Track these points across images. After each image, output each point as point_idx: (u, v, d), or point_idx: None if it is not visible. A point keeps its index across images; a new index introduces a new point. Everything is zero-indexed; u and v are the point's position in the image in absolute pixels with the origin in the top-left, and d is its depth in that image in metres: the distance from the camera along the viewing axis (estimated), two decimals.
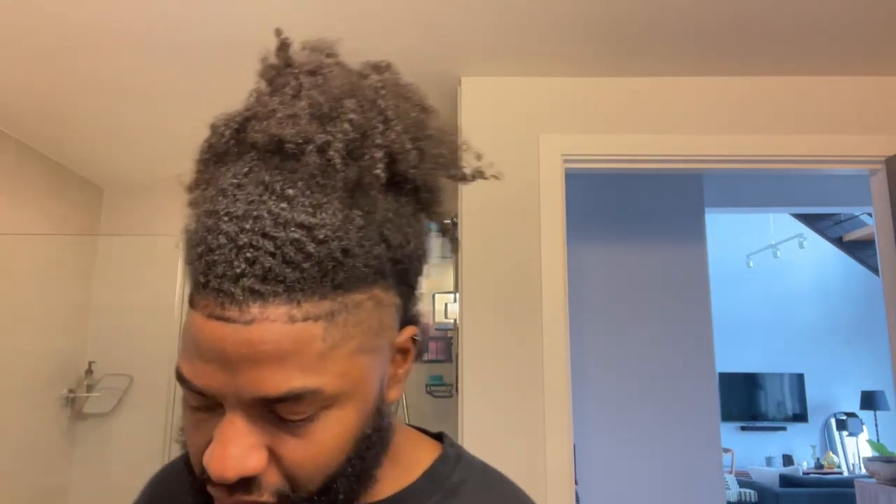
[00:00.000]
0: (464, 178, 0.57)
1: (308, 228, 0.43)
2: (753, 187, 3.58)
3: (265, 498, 0.45)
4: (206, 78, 2.25)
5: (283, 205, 0.43)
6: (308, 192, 0.44)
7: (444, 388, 3.24)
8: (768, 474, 5.87)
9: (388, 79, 0.51)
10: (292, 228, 0.42)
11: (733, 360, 6.53)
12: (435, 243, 2.89)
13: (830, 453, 6.11)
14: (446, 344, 3.11)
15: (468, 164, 0.59)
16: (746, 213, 5.19)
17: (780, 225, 6.62)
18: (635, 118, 2.22)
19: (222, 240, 0.42)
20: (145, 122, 2.65)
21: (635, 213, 3.07)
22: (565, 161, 2.20)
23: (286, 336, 0.42)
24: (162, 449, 3.25)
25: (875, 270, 6.49)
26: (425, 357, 3.14)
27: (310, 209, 0.43)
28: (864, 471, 5.77)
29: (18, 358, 2.86)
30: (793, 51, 2.07)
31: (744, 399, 6.52)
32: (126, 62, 2.15)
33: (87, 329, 3.40)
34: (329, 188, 0.45)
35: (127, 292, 3.45)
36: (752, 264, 6.70)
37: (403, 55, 2.09)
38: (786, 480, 5.50)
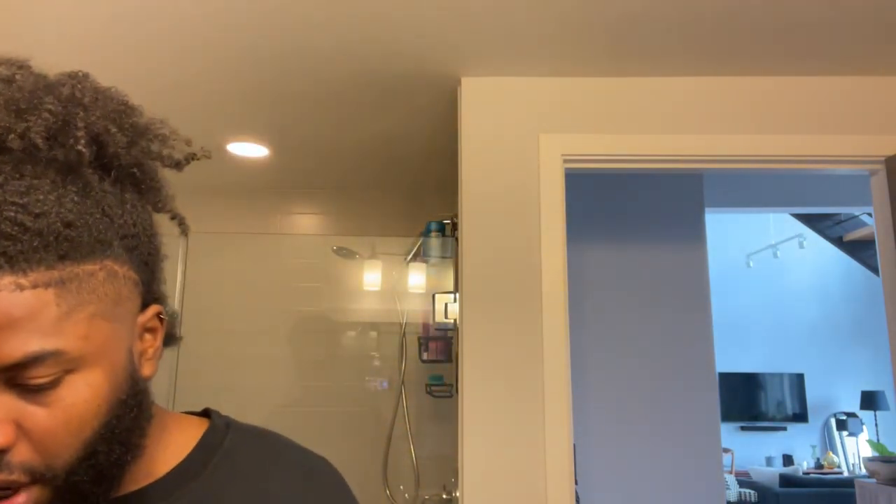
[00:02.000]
0: (177, 165, 0.61)
1: (23, 206, 0.46)
2: (753, 187, 3.58)
3: (15, 477, 0.45)
4: (205, 79, 2.25)
5: None
6: (18, 177, 0.47)
7: (444, 388, 3.24)
8: (768, 474, 5.88)
9: (85, 81, 0.56)
10: (8, 207, 0.45)
11: (733, 360, 6.53)
12: (435, 243, 2.90)
13: (830, 453, 6.12)
14: (446, 344, 3.11)
15: (181, 151, 0.63)
16: (746, 213, 5.19)
17: (780, 225, 6.62)
18: (635, 118, 2.22)
19: None
20: None
21: (635, 213, 3.07)
22: (565, 161, 2.20)
23: (15, 304, 0.44)
24: None
25: (875, 270, 6.49)
26: (425, 357, 3.14)
27: (22, 189, 0.47)
28: (864, 471, 5.78)
29: None
30: (793, 51, 2.07)
31: (744, 399, 6.52)
32: (127, 62, 2.15)
33: None
34: (39, 172, 0.48)
35: None
36: (752, 264, 6.70)
37: (404, 55, 2.09)
38: (786, 480, 5.50)
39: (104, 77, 2.24)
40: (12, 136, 0.48)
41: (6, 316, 0.44)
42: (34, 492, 0.47)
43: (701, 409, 2.89)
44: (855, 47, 2.05)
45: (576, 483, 2.30)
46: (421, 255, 3.09)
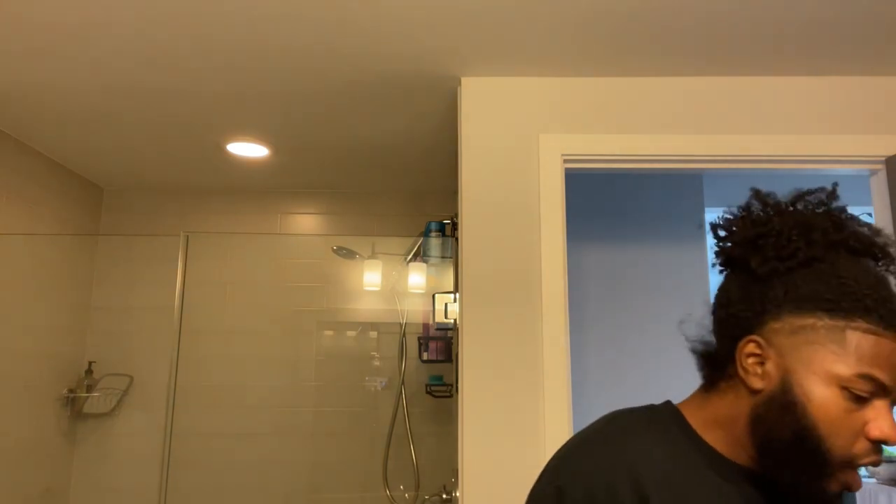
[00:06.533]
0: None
1: None
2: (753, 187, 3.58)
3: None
4: (205, 79, 2.25)
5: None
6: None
7: (444, 388, 3.24)
8: None
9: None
10: None
11: None
12: (435, 243, 2.90)
13: None
14: (446, 344, 3.11)
15: None
16: None
17: None
18: (635, 118, 2.22)
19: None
20: (145, 123, 2.65)
21: (635, 213, 3.07)
22: (565, 161, 2.20)
23: None
24: (161, 449, 3.25)
25: None
26: (425, 357, 3.14)
27: None
28: (863, 471, 5.76)
29: (18, 358, 2.86)
30: (793, 51, 2.07)
31: None
32: (127, 63, 2.15)
33: (87, 329, 3.40)
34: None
35: (127, 292, 3.45)
36: None
37: (403, 55, 2.09)
38: None
39: (104, 77, 2.25)
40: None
41: None
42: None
43: None
44: (855, 47, 2.05)
45: None
46: (421, 255, 3.09)
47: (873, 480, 4.05)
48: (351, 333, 3.43)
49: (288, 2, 1.80)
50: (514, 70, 2.20)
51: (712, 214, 3.46)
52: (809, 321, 0.73)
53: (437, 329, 3.05)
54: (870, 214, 5.40)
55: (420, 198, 3.60)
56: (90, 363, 3.33)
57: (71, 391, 3.23)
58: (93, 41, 2.01)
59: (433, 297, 2.94)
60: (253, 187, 3.54)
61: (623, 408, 0.85)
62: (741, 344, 0.77)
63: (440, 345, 3.10)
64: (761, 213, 0.82)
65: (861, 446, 0.70)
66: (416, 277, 3.29)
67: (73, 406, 3.27)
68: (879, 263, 0.77)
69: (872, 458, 0.69)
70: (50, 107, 2.51)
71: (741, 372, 0.77)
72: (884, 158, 2.16)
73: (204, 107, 2.49)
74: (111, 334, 3.40)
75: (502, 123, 2.22)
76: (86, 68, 2.19)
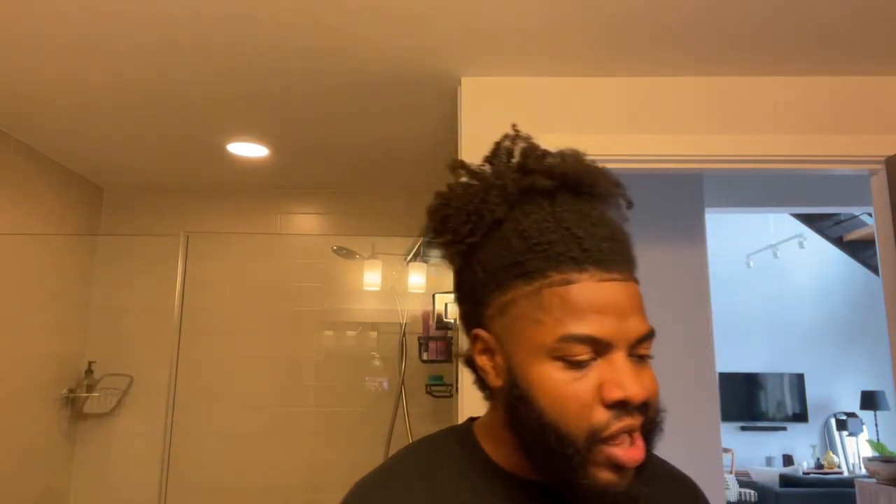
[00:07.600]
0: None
1: (622, 230, 0.65)
2: (753, 187, 3.58)
3: (639, 418, 0.59)
4: (205, 79, 2.25)
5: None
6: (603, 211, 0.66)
7: (444, 388, 3.24)
8: (768, 474, 5.88)
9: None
10: (622, 230, 0.65)
11: (733, 360, 6.52)
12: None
13: (830, 453, 6.11)
14: (446, 344, 3.11)
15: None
16: (746, 213, 5.19)
17: (780, 225, 6.62)
18: (635, 118, 2.22)
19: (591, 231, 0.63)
20: (145, 123, 2.65)
21: (635, 213, 3.06)
22: None
23: (638, 291, 0.62)
24: (161, 449, 3.25)
25: (875, 270, 6.49)
26: (425, 357, 3.14)
27: (617, 220, 0.66)
28: (864, 471, 5.77)
29: (18, 358, 2.86)
30: (793, 51, 2.07)
31: (744, 399, 6.52)
32: (127, 63, 2.15)
33: (87, 329, 3.40)
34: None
35: (127, 292, 3.45)
36: (752, 264, 6.70)
37: (403, 55, 2.09)
38: (786, 480, 5.50)
39: (104, 77, 2.25)
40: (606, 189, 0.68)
41: (639, 300, 0.61)
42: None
43: (701, 408, 2.88)
44: (855, 47, 2.05)
45: None
46: (421, 256, 3.09)
47: (873, 480, 4.05)
48: (351, 333, 3.43)
49: (288, 2, 1.80)
50: (514, 70, 2.20)
51: (712, 214, 3.47)
52: (510, 295, 0.61)
53: (437, 329, 3.05)
54: (870, 214, 5.40)
55: (420, 197, 3.59)
56: (90, 363, 3.33)
57: (71, 391, 3.23)
58: (93, 41, 2.01)
59: (433, 297, 2.94)
60: (253, 187, 3.54)
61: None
62: (470, 343, 0.66)
63: (440, 345, 3.10)
64: (446, 193, 0.72)
65: (600, 416, 0.57)
66: (416, 277, 3.29)
67: (73, 406, 3.27)
68: (588, 191, 0.66)
69: (622, 423, 0.57)
70: (50, 106, 2.51)
71: (481, 373, 0.65)
72: (884, 158, 2.16)
73: (204, 107, 2.49)
74: (111, 334, 3.40)
75: (502, 123, 2.21)
76: (86, 68, 2.19)
